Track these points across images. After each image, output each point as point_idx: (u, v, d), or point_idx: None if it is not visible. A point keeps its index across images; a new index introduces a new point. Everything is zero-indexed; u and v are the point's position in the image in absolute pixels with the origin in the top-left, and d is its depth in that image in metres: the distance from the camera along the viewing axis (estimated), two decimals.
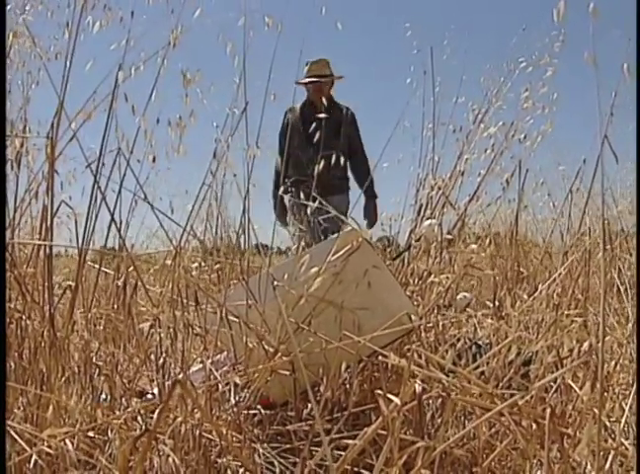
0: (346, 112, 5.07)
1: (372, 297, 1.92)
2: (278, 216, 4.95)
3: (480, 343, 2.00)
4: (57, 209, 1.81)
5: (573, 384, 1.62)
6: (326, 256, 1.84)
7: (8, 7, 1.94)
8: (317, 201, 2.29)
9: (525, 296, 2.06)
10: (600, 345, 1.16)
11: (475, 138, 2.72)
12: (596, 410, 1.27)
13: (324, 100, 4.73)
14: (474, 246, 2.48)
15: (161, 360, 1.86)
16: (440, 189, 2.61)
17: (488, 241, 2.59)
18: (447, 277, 2.16)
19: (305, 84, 4.96)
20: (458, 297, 2.41)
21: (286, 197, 4.83)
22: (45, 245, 1.76)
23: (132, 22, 1.95)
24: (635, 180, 3.71)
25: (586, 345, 1.49)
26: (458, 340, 1.92)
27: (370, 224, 4.99)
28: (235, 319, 1.85)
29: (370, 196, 4.97)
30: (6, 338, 1.62)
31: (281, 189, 4.62)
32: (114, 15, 1.94)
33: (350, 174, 5.08)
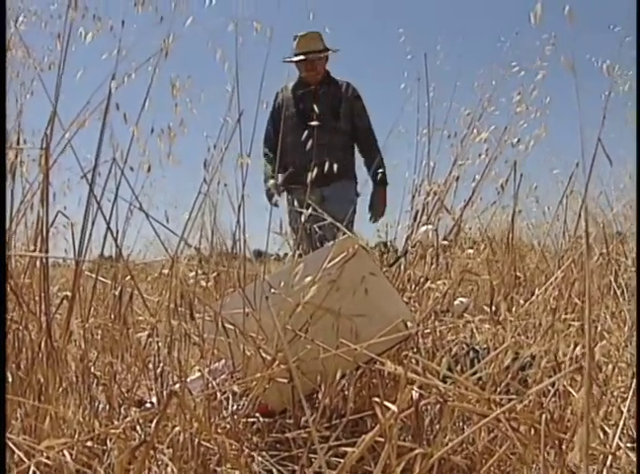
0: (346, 87, 4.41)
1: (369, 304, 1.92)
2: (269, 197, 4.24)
3: (477, 348, 2.00)
4: (54, 220, 1.82)
5: (570, 389, 1.62)
6: (322, 263, 1.85)
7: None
8: (310, 208, 2.26)
9: (522, 301, 2.06)
10: (590, 349, 1.16)
11: (469, 143, 2.73)
12: (591, 413, 1.27)
13: (319, 77, 4.27)
14: (470, 251, 2.48)
15: (159, 370, 1.86)
16: (435, 194, 2.61)
17: (484, 246, 2.60)
18: (444, 283, 2.16)
19: (295, 62, 4.35)
20: (456, 303, 2.42)
21: (275, 197, 4.13)
22: (41, 254, 1.76)
23: (123, 31, 1.96)
24: (631, 183, 3.72)
25: (578, 349, 1.49)
26: (456, 345, 1.92)
27: (375, 217, 4.29)
28: (232, 327, 1.85)
29: (379, 182, 4.24)
30: (5, 348, 1.62)
31: (271, 181, 4.13)
32: (104, 25, 1.94)
33: (356, 158, 4.42)
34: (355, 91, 4.43)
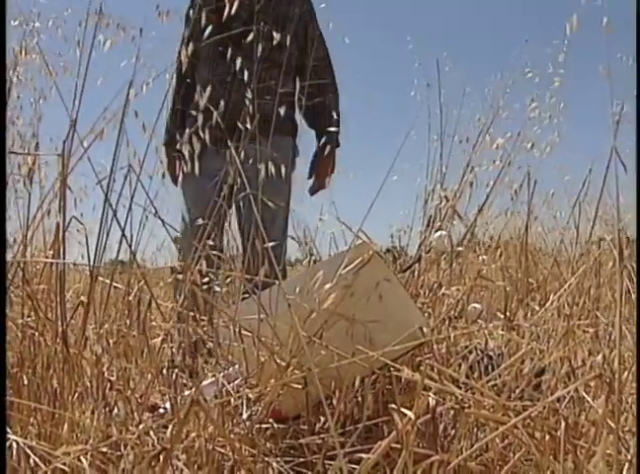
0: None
1: (384, 310, 1.92)
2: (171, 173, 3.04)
3: (492, 354, 2.00)
4: (68, 224, 1.83)
5: (586, 395, 1.62)
6: (337, 269, 1.85)
7: (16, 22, 1.96)
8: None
9: (537, 307, 2.06)
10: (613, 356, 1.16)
11: (481, 149, 2.74)
12: (610, 422, 1.27)
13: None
14: (485, 257, 2.48)
15: (173, 375, 1.86)
16: (448, 200, 2.61)
17: (499, 253, 2.59)
18: (458, 289, 2.16)
19: None
20: (469, 308, 2.42)
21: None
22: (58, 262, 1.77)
23: (142, 39, 1.97)
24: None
25: (600, 357, 1.49)
26: (470, 352, 1.92)
27: (315, 187, 3.15)
28: (248, 333, 1.85)
29: (328, 140, 2.94)
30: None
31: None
32: (123, 32, 1.95)
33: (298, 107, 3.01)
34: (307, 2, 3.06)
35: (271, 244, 1.94)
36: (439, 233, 2.48)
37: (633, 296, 1.95)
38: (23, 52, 1.92)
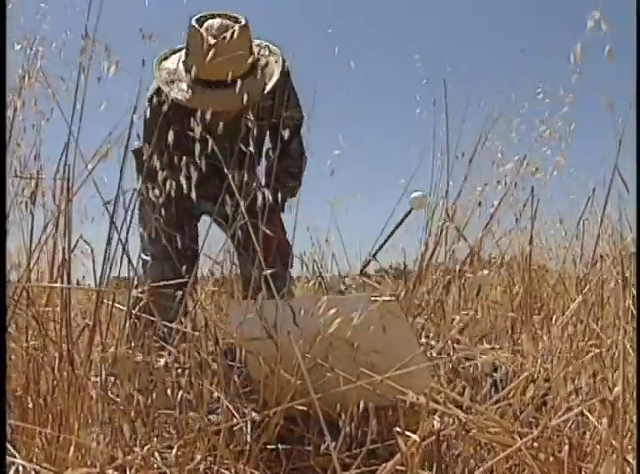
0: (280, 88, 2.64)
1: (387, 342, 1.86)
2: None
3: (495, 375, 1.99)
4: (74, 247, 1.83)
5: (589, 415, 1.62)
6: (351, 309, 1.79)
7: (18, 47, 1.98)
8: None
9: (540, 331, 2.06)
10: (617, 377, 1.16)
11: (487, 167, 2.74)
12: (615, 443, 1.27)
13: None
14: (485, 271, 2.47)
15: (178, 398, 1.86)
16: (450, 218, 2.61)
17: (502, 272, 2.59)
18: (467, 314, 2.15)
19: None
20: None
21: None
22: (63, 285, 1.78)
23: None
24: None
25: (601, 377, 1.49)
26: (474, 371, 1.91)
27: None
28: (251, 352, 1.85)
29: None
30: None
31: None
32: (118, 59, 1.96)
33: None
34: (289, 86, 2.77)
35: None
36: (416, 192, 2.41)
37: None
38: (26, 77, 1.93)
